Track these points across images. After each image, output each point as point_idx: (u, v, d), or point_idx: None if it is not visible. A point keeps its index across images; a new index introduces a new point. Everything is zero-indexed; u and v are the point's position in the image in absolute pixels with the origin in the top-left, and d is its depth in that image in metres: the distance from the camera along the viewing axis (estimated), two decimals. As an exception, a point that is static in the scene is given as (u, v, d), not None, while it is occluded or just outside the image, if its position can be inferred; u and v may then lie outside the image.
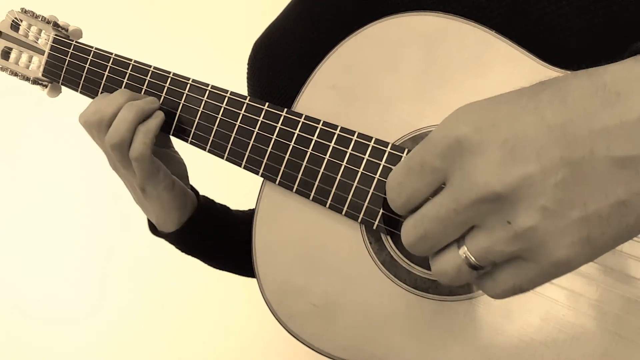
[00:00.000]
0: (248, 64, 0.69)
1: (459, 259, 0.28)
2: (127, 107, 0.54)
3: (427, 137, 0.28)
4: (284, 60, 0.63)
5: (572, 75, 0.26)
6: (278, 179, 0.52)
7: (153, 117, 0.55)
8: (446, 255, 0.29)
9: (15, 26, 0.67)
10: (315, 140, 0.51)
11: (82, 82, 0.63)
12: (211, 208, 0.66)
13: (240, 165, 0.55)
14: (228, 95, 0.55)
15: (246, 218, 0.72)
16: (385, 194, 0.47)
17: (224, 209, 0.69)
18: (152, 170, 0.55)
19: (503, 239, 0.26)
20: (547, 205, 0.25)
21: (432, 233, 0.28)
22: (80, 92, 0.64)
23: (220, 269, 0.72)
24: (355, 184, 0.49)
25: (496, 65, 0.45)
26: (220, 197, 0.76)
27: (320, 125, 0.50)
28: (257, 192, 0.72)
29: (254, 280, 0.55)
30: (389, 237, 0.48)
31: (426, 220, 0.28)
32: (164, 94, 0.59)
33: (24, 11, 0.67)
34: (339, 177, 0.49)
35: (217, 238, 0.66)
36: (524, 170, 0.25)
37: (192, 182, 0.67)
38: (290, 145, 0.52)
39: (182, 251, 0.66)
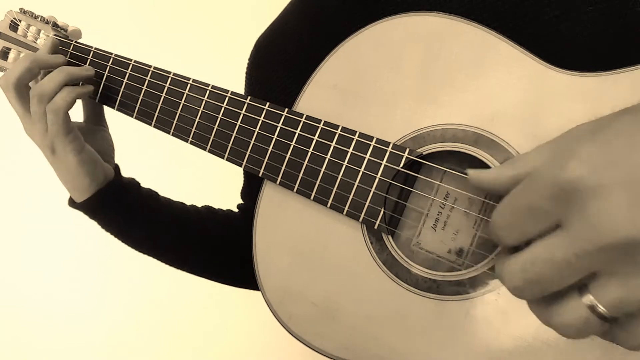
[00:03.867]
0: (249, 61, 0.69)
1: (584, 309, 0.26)
2: (60, 69, 0.57)
3: (533, 177, 0.27)
4: (284, 60, 0.63)
5: None
6: (279, 178, 0.52)
7: (82, 86, 0.59)
8: (568, 305, 0.26)
9: (13, 26, 0.67)
10: (317, 140, 0.51)
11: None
12: (129, 186, 0.65)
13: (240, 165, 0.55)
14: (229, 95, 0.55)
15: (183, 211, 0.70)
16: (386, 193, 0.47)
17: (149, 192, 0.68)
18: (65, 128, 0.57)
19: None
20: None
21: (545, 277, 0.26)
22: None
23: (146, 253, 0.69)
24: (356, 183, 0.49)
25: (497, 66, 0.45)
26: (218, 195, 0.75)
27: (321, 125, 0.50)
28: (234, 193, 0.72)
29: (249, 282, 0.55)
30: (390, 237, 0.48)
31: (538, 263, 0.26)
32: (164, 94, 0.59)
33: (23, 11, 0.67)
34: (340, 176, 0.49)
35: (132, 216, 0.64)
36: None
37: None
38: (291, 145, 0.52)
39: (102, 227, 0.65)
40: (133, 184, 0.66)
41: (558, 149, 0.26)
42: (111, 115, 0.68)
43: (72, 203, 0.63)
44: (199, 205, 0.73)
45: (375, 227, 0.48)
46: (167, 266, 0.71)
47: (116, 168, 0.65)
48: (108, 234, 0.67)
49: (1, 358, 1.48)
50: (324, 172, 0.50)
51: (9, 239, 1.48)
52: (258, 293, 0.55)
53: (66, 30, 0.67)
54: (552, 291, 0.27)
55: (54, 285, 1.48)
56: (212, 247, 0.70)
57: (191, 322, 1.45)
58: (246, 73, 0.69)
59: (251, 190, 0.73)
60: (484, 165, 0.45)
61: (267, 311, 0.53)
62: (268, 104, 0.53)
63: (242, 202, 0.76)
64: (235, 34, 1.15)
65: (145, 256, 0.69)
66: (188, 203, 0.72)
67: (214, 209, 0.74)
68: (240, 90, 0.69)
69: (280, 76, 0.63)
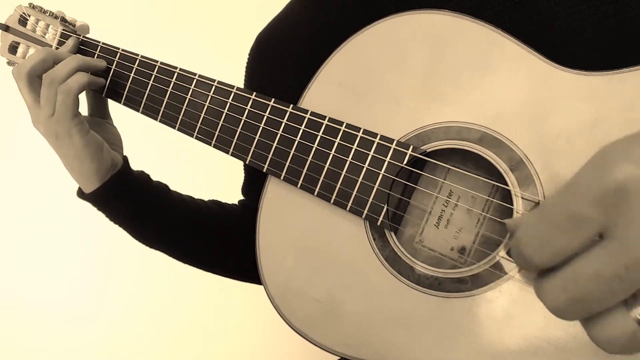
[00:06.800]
0: (249, 55, 0.69)
1: (631, 323, 0.24)
2: (73, 57, 0.59)
3: (571, 184, 0.24)
4: (287, 56, 0.63)
5: None
6: (283, 174, 0.53)
7: (95, 77, 0.60)
8: (612, 320, 0.24)
9: (23, 21, 0.68)
10: (321, 136, 0.51)
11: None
12: (140, 177, 0.64)
13: (245, 161, 0.55)
14: (234, 90, 0.56)
15: (194, 204, 0.70)
16: (390, 190, 0.47)
17: (159, 184, 0.67)
18: (72, 111, 0.57)
19: None
20: None
21: (591, 296, 0.24)
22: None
23: (154, 247, 0.68)
24: (360, 179, 0.49)
25: (503, 64, 0.45)
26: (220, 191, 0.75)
27: (325, 122, 0.51)
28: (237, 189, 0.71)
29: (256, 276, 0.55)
30: (392, 234, 0.48)
31: (582, 281, 0.24)
32: (170, 89, 0.59)
33: (32, 6, 0.68)
34: (343, 172, 0.49)
35: (143, 208, 0.64)
36: None
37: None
38: (295, 140, 0.52)
39: (111, 219, 0.64)
40: (144, 175, 0.66)
41: (601, 156, 0.24)
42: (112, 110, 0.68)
43: (80, 194, 0.63)
44: (205, 199, 0.73)
45: (378, 223, 0.48)
46: (166, 266, 0.70)
47: (125, 159, 0.65)
48: (107, 234, 0.66)
49: (1, 358, 1.48)
50: (328, 168, 0.50)
51: (9, 239, 1.48)
52: (258, 290, 0.55)
53: (74, 25, 0.68)
54: (601, 309, 0.24)
55: (54, 285, 1.47)
56: (222, 241, 0.70)
57: (191, 321, 1.44)
58: (246, 68, 0.69)
59: (252, 186, 0.73)
60: (488, 163, 0.45)
61: (267, 307, 0.53)
62: (273, 100, 0.53)
63: (243, 198, 0.76)
64: (237, 29, 1.15)
65: (145, 256, 0.68)
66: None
67: (222, 203, 0.75)
68: (242, 85, 0.69)
69: (282, 71, 0.63)
